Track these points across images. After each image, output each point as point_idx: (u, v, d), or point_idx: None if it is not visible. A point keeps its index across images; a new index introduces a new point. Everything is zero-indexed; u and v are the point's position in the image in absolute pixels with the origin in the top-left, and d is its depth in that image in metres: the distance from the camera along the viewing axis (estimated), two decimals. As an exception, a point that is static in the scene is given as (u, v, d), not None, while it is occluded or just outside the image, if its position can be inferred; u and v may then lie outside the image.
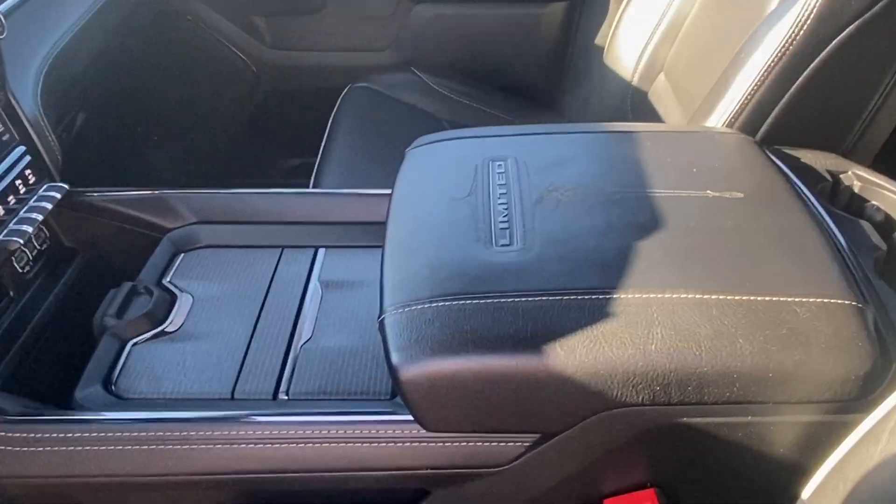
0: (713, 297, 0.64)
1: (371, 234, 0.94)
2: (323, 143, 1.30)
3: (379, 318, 0.67)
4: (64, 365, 0.83)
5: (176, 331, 0.82)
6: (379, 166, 1.21)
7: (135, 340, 0.81)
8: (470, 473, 0.68)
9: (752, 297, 0.64)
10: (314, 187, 1.17)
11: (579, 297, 0.64)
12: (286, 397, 0.75)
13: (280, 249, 0.94)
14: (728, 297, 0.64)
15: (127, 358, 0.79)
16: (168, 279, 0.89)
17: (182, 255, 0.93)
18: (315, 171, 1.22)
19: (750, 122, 0.90)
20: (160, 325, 0.82)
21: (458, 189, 0.78)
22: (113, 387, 0.76)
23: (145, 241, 0.95)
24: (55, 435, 0.68)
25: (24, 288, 0.89)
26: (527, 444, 0.66)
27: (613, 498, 0.67)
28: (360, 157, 1.25)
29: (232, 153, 1.59)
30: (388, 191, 0.87)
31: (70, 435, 0.68)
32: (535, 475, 0.67)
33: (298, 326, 0.83)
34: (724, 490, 0.67)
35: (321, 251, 0.94)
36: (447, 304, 0.65)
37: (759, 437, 0.64)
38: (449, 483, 0.69)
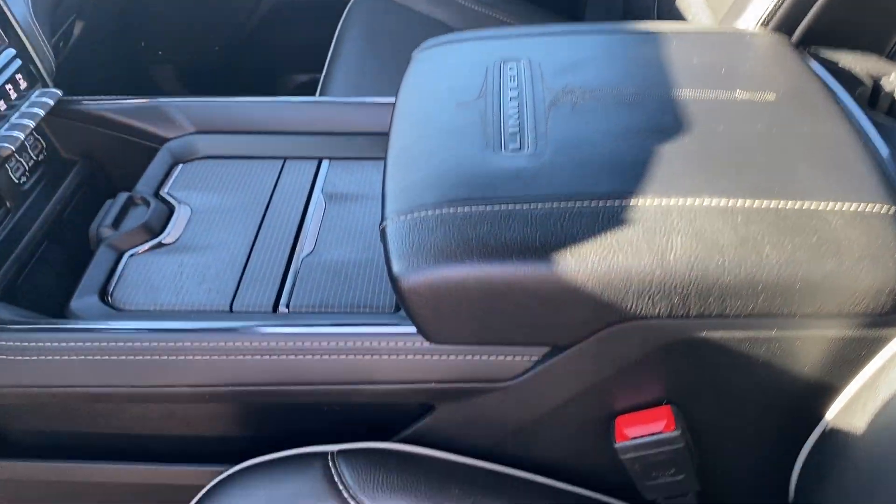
0: (739, 203, 0.59)
1: (378, 144, 0.89)
2: (329, 55, 1.24)
3: (380, 225, 0.63)
4: (60, 276, 0.81)
5: (173, 242, 0.79)
6: (387, 77, 1.15)
7: (131, 252, 0.78)
8: (476, 388, 0.65)
9: (781, 204, 0.59)
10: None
11: (593, 204, 0.60)
12: (286, 310, 0.72)
13: (282, 160, 0.90)
14: (755, 204, 0.59)
15: (123, 269, 0.76)
16: (166, 190, 0.86)
17: (180, 165, 0.90)
18: (321, 82, 1.16)
19: (785, 22, 0.83)
20: (157, 236, 0.80)
21: (466, 92, 0.73)
22: (109, 298, 0.73)
23: (143, 151, 0.92)
24: (49, 344, 0.66)
25: (21, 199, 0.86)
26: (535, 357, 0.63)
27: (627, 415, 0.64)
28: (369, 68, 1.19)
29: (236, 68, 1.53)
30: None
31: (64, 344, 0.66)
32: (543, 390, 0.64)
33: (300, 239, 0.80)
34: (745, 409, 0.64)
35: (325, 162, 0.90)
36: (452, 210, 0.61)
37: (783, 352, 0.60)
38: (454, 398, 0.66)
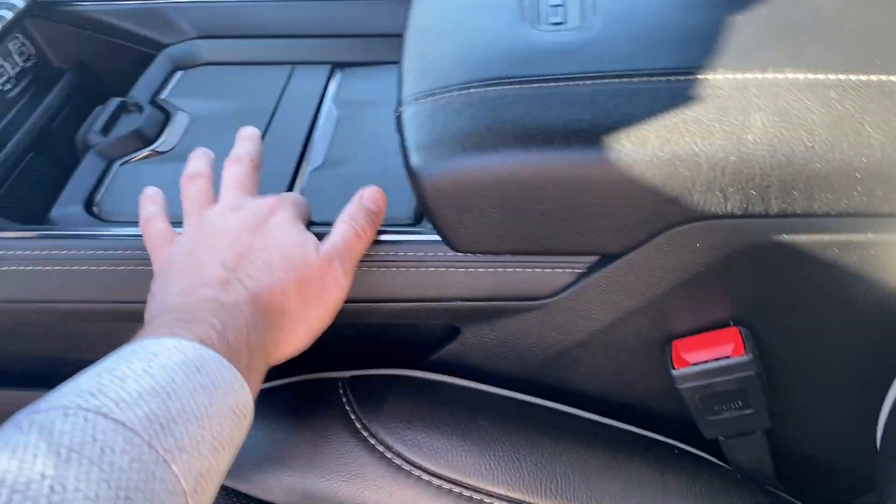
0: (832, 77, 0.48)
1: (397, 48, 0.80)
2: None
3: (396, 111, 0.53)
4: (46, 188, 0.73)
5: (168, 151, 0.70)
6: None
7: (122, 160, 0.69)
8: (508, 307, 0.56)
9: (883, 77, 0.48)
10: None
11: (654, 80, 0.49)
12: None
13: (291, 66, 0.81)
14: (852, 78, 0.48)
15: (112, 178, 0.68)
16: (163, 96, 0.77)
17: (180, 72, 0.81)
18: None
19: None
20: (151, 144, 0.71)
21: (498, -35, 0.62)
22: (95, 208, 0.65)
23: (141, 58, 0.83)
24: (23, 252, 0.58)
25: (6, 107, 0.78)
26: (578, 269, 0.53)
27: (686, 338, 0.54)
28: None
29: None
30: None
31: (41, 252, 0.58)
32: (588, 309, 0.55)
33: (308, 150, 0.70)
34: (829, 331, 0.54)
35: (338, 68, 0.80)
36: (482, 90, 0.51)
37: (880, 262, 0.49)
38: (483, 319, 0.57)
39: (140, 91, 0.77)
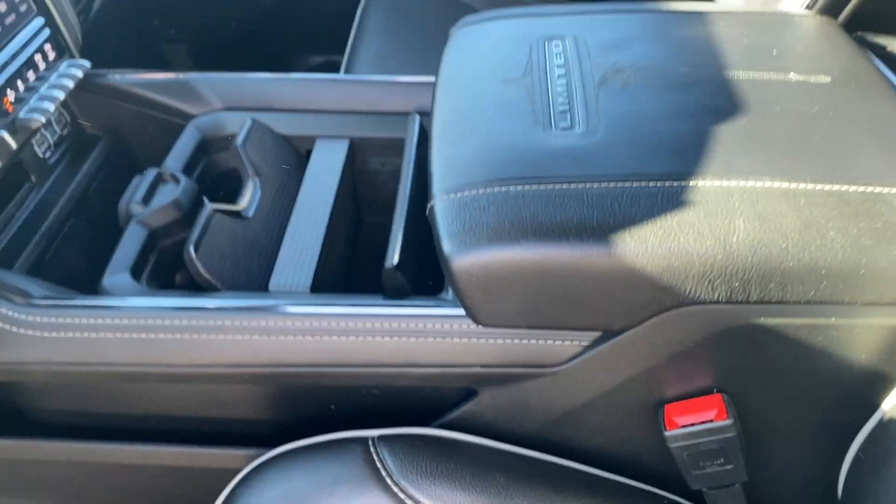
0: (802, 186, 0.57)
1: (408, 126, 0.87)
2: (352, 34, 1.21)
3: (428, 204, 0.61)
4: (88, 253, 0.79)
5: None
6: (415, 56, 1.13)
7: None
8: (522, 373, 0.63)
9: (844, 188, 0.57)
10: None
11: (651, 184, 0.58)
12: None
13: (313, 140, 0.88)
14: (818, 187, 0.57)
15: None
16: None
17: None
18: (345, 60, 1.14)
19: (831, 4, 0.81)
20: (186, 213, 0.77)
21: (511, 69, 0.71)
22: (141, 275, 0.71)
23: (169, 127, 0.89)
24: (83, 320, 0.64)
25: (46, 174, 0.83)
26: (585, 342, 0.61)
27: (677, 402, 0.62)
28: (394, 48, 1.17)
29: (251, 49, 1.50)
30: (428, 78, 0.80)
31: (98, 321, 0.64)
32: (592, 377, 0.63)
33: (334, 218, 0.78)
34: (798, 397, 0.62)
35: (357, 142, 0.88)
36: (503, 189, 0.59)
37: (841, 341, 0.58)
38: (499, 383, 0.64)
39: (173, 161, 0.84)
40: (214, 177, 0.88)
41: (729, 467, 0.64)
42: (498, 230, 0.57)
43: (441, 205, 0.60)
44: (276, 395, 0.68)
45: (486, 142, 0.63)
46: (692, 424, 0.62)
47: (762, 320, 0.58)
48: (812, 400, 0.62)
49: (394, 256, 0.65)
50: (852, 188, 0.57)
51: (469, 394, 0.67)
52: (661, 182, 0.58)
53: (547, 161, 0.60)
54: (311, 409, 0.69)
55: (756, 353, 0.60)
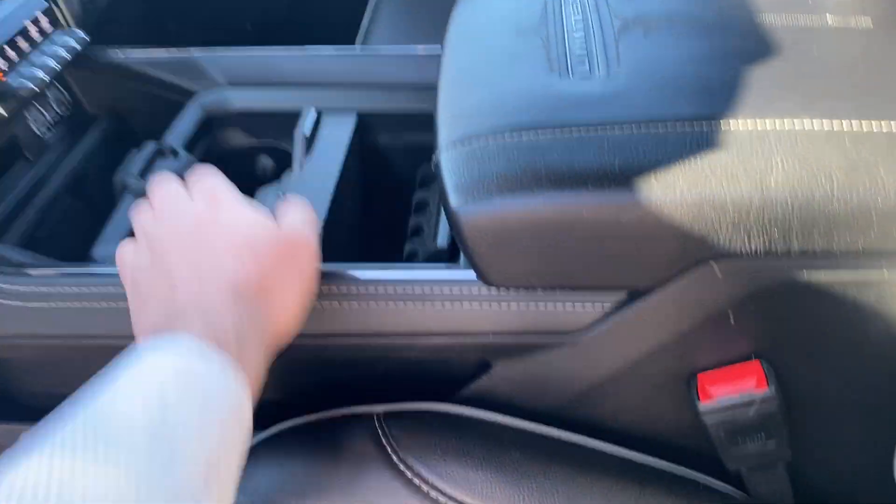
0: (846, 125, 0.52)
1: (422, 98, 0.83)
2: (366, 20, 1.18)
3: (434, 157, 0.56)
4: (82, 228, 0.75)
5: None
6: (429, 39, 1.09)
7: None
8: (538, 342, 0.58)
9: (894, 125, 0.52)
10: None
11: (679, 127, 0.53)
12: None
13: (318, 113, 0.84)
14: (864, 127, 0.52)
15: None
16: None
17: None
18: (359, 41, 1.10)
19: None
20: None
21: (525, 20, 0.66)
22: (134, 247, 0.67)
23: (171, 105, 0.86)
24: (73, 289, 0.60)
25: (42, 152, 0.80)
26: (608, 305, 0.56)
27: (710, 371, 0.57)
28: (408, 30, 1.13)
29: (265, 37, 1.47)
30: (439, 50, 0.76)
31: (89, 289, 0.60)
32: (616, 344, 0.57)
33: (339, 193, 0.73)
34: (847, 365, 0.56)
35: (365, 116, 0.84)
36: (516, 137, 0.54)
37: (895, 299, 0.52)
38: (513, 353, 0.59)
39: (173, 136, 0.80)
40: (219, 154, 0.85)
41: (770, 444, 0.58)
42: (509, 180, 0.52)
43: (447, 156, 0.55)
44: (275, 368, 0.63)
45: (497, 90, 0.58)
46: (730, 395, 0.56)
47: (805, 276, 0.52)
48: (863, 367, 0.56)
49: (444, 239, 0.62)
50: (903, 126, 0.52)
51: (482, 367, 0.61)
52: (690, 124, 0.53)
53: (563, 107, 0.56)
54: (312, 386, 0.64)
55: (798, 313, 0.54)
